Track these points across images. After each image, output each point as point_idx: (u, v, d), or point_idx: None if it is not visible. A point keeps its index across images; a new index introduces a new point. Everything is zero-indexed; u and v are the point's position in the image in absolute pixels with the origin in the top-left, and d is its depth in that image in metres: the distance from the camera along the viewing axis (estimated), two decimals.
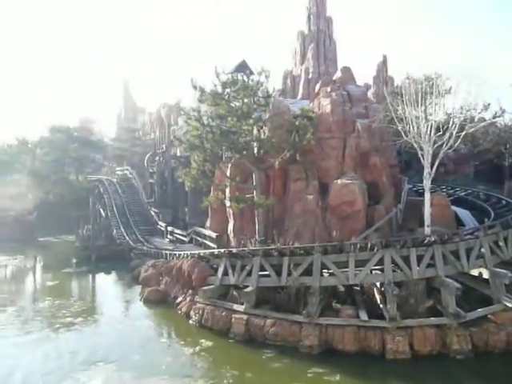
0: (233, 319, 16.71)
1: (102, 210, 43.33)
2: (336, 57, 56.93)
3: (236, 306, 17.33)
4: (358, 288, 17.82)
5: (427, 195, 19.92)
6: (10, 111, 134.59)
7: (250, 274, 17.74)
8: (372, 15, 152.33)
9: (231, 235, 24.95)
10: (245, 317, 16.53)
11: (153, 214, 39.90)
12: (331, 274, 16.82)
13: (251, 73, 40.77)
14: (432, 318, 15.16)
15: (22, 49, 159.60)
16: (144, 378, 13.44)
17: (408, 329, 14.81)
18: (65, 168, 49.30)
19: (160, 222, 37.01)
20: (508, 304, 15.41)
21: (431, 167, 19.96)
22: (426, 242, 16.25)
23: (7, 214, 45.66)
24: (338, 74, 29.07)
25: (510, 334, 14.76)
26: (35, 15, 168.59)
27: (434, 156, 20.05)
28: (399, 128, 20.50)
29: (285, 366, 14.40)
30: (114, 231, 37.54)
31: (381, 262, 16.10)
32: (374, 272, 16.83)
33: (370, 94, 44.35)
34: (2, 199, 48.07)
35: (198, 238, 28.26)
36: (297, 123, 23.87)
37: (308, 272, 16.58)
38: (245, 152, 23.51)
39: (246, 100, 22.16)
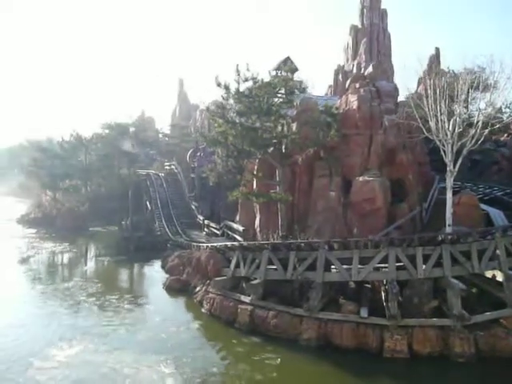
0: (239, 309, 17.23)
1: (148, 203, 45.31)
2: (390, 51, 55.24)
3: (243, 297, 17.84)
4: (369, 285, 17.74)
5: (449, 194, 19.33)
6: (72, 110, 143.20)
7: (259, 266, 18.15)
8: (430, 6, 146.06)
9: (258, 229, 25.41)
10: (250, 308, 17.02)
11: (193, 207, 41.21)
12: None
13: (296, 69, 40.91)
14: (434, 319, 14.86)
15: (82, 49, 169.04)
16: (115, 351, 14.56)
17: (408, 328, 14.63)
18: (117, 163, 51.76)
19: (199, 216, 38.17)
20: None
21: (454, 165, 19.33)
22: (433, 241, 15.85)
23: (62, 206, 49.09)
24: (370, 70, 28.51)
25: None
26: (95, 16, 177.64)
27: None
28: (420, 124, 20.01)
29: (255, 351, 14.94)
30: (156, 223, 39.30)
31: (387, 259, 15.92)
32: (382, 270, 16.66)
33: (420, 88, 42.98)
34: (58, 191, 51.69)
35: (229, 232, 29.03)
36: (321, 120, 23.82)
37: (314, 267, 16.72)
38: (272, 148, 23.82)
39: (267, 97, 22.33)
